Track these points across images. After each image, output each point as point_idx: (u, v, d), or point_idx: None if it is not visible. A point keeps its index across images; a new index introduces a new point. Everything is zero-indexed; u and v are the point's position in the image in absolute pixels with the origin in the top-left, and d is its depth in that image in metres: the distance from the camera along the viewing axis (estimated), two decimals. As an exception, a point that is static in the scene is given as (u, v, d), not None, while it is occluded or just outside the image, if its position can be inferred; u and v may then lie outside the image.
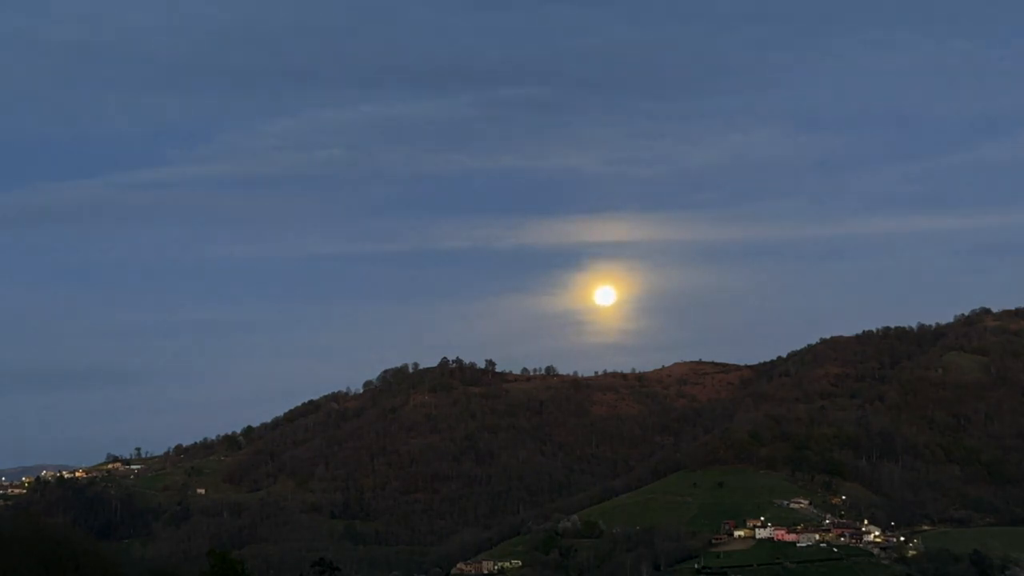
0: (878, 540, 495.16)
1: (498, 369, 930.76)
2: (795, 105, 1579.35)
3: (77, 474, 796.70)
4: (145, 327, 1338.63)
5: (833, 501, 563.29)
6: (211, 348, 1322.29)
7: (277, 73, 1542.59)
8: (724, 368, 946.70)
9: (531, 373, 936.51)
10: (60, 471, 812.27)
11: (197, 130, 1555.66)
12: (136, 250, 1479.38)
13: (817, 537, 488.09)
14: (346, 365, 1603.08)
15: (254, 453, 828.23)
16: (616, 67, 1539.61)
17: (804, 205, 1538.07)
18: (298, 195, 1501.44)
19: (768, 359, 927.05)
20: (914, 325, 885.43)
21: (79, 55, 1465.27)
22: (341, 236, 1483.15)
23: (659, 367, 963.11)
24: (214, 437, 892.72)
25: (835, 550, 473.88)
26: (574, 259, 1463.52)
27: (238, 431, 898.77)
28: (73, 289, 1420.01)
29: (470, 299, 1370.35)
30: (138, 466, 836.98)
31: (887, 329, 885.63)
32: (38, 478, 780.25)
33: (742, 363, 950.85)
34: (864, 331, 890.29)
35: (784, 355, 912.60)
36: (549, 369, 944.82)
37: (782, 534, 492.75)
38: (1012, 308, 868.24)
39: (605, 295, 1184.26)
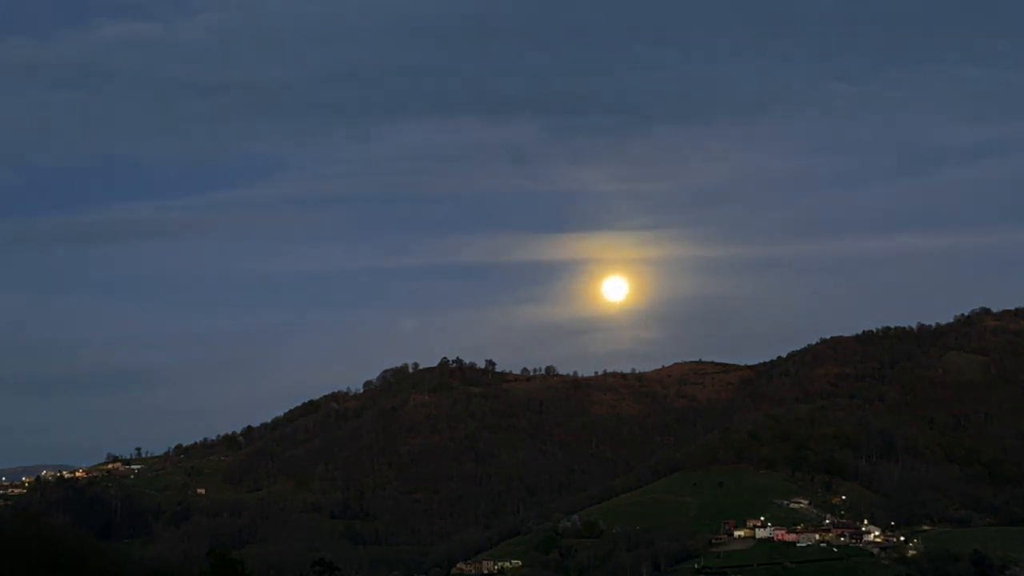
0: (878, 540, 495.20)
1: (498, 369, 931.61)
2: (803, 129, 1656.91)
3: (77, 474, 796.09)
4: (161, 334, 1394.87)
5: (833, 501, 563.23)
6: (219, 352, 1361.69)
7: (369, 106, 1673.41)
8: (724, 368, 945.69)
9: (531, 373, 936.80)
10: (60, 471, 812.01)
11: (284, 156, 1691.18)
12: (177, 264, 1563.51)
13: (817, 537, 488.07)
14: (346, 365, 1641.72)
15: (254, 453, 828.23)
16: (675, 97, 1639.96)
17: (809, 221, 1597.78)
18: (348, 214, 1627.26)
19: (768, 359, 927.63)
20: (914, 325, 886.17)
21: (189, 90, 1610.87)
22: (370, 251, 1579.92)
23: (659, 367, 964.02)
24: (214, 437, 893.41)
25: (835, 550, 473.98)
26: (583, 271, 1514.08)
27: (238, 431, 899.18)
28: (107, 300, 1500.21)
29: (480, 308, 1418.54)
30: (138, 466, 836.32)
31: (887, 329, 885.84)
32: (38, 478, 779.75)
33: (742, 363, 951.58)
34: (864, 331, 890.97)
35: (784, 355, 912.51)
36: (549, 369, 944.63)
37: (782, 534, 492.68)
38: (1012, 308, 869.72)
39: (615, 290, 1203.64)
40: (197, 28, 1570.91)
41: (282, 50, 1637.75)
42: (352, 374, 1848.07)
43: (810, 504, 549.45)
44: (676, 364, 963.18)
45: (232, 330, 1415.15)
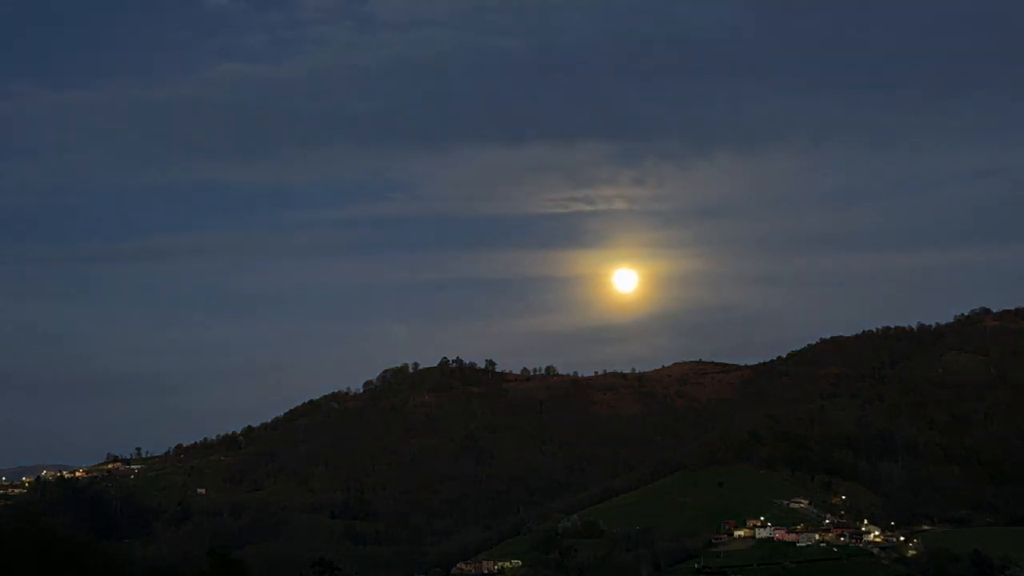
0: (878, 540, 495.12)
1: (498, 369, 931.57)
2: (856, 157, 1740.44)
3: (77, 474, 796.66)
4: (177, 341, 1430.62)
5: (833, 501, 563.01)
6: (227, 357, 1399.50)
7: (448, 131, 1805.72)
8: (724, 368, 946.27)
9: (531, 373, 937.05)
10: (60, 471, 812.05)
11: (362, 178, 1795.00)
12: (213, 279, 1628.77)
13: (817, 537, 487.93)
14: (346, 365, 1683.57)
15: (254, 453, 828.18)
16: (734, 126, 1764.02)
17: (812, 236, 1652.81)
18: (399, 232, 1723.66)
19: (768, 359, 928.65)
20: (914, 325, 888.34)
21: (283, 121, 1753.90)
22: (400, 267, 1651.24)
23: (659, 367, 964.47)
24: (214, 437, 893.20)
25: (835, 550, 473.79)
26: (590, 283, 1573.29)
27: (238, 431, 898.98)
28: (139, 310, 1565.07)
29: (485, 318, 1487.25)
30: (138, 466, 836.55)
31: (887, 329, 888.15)
32: (38, 478, 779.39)
33: (742, 363, 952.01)
34: (864, 331, 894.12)
35: (784, 355, 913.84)
36: (549, 369, 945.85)
37: (782, 534, 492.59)
38: (1012, 308, 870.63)
39: (625, 281, 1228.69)
40: (297, 67, 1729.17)
41: (370, 84, 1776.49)
42: (352, 374, 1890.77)
43: (810, 504, 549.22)
44: (676, 364, 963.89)
45: (244, 337, 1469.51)
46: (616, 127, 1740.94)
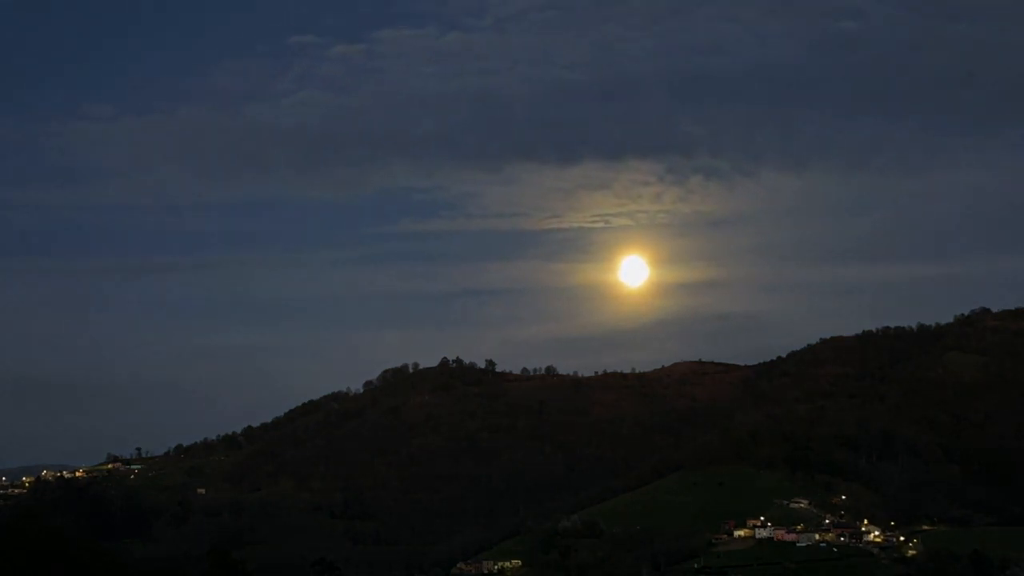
0: (878, 540, 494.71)
1: (498, 369, 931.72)
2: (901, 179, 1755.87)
3: (77, 474, 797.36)
4: (191, 346, 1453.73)
5: (833, 501, 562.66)
6: (229, 360, 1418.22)
7: (503, 152, 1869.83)
8: (724, 368, 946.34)
9: (531, 373, 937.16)
10: (60, 471, 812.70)
11: (414, 196, 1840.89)
12: (252, 288, 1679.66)
13: (817, 537, 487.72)
14: (346, 365, 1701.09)
15: (254, 453, 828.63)
16: (784, 146, 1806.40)
17: (812, 247, 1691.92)
18: (435, 245, 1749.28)
19: (768, 359, 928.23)
20: (914, 325, 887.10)
21: (345, 141, 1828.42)
22: (414, 275, 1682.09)
23: (659, 367, 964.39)
24: (214, 437, 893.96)
25: (835, 550, 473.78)
26: (599, 291, 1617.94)
27: (238, 431, 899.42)
28: (162, 318, 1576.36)
29: (494, 323, 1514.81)
30: (138, 466, 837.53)
31: (887, 329, 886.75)
32: (38, 478, 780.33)
33: (742, 363, 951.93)
34: (864, 331, 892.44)
35: (784, 355, 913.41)
36: (549, 369, 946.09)
37: (782, 534, 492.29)
38: (1012, 308, 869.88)
39: (632, 278, 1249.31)
40: (366, 94, 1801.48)
41: (433, 110, 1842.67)
42: (352, 374, 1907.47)
43: (810, 504, 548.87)
44: (676, 364, 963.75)
45: (249, 343, 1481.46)
46: (666, 149, 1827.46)
